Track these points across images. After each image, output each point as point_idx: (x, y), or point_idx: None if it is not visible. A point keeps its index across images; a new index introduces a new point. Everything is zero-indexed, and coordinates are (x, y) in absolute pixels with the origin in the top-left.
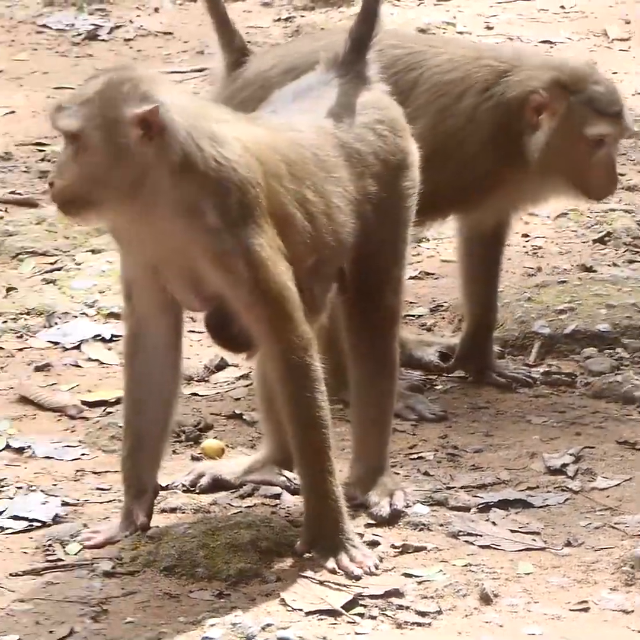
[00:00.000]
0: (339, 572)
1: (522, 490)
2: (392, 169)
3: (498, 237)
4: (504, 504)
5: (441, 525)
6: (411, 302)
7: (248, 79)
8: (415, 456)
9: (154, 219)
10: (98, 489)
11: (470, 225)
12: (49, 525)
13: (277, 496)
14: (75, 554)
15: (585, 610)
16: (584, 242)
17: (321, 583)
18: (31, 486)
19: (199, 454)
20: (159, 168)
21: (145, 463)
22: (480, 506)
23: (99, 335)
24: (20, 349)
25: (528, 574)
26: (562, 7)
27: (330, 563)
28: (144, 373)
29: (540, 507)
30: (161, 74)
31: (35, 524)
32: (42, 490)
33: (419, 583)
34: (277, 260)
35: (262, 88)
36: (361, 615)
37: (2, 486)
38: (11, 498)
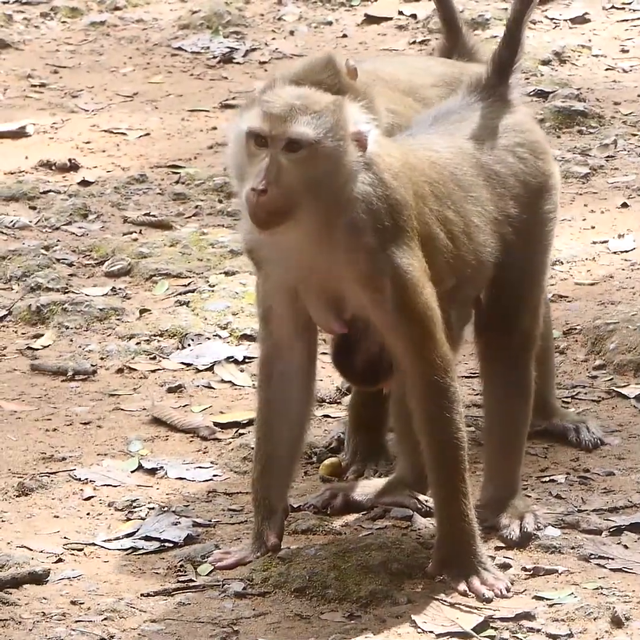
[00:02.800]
0: (470, 595)
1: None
2: (533, 192)
3: None
4: (636, 527)
5: (572, 548)
6: None
7: None
8: (547, 479)
9: (323, 233)
10: (230, 510)
11: None
12: (181, 546)
13: (409, 518)
14: (207, 575)
15: None
16: None
17: (452, 605)
18: (163, 507)
19: (330, 476)
20: (356, 186)
21: (276, 484)
22: (612, 529)
23: (231, 357)
24: (153, 371)
25: None
26: None
27: (462, 585)
28: (277, 396)
29: None
30: None
31: (167, 544)
32: (174, 511)
33: (550, 606)
34: (425, 282)
35: None
36: (492, 637)
37: (135, 507)
38: (143, 519)
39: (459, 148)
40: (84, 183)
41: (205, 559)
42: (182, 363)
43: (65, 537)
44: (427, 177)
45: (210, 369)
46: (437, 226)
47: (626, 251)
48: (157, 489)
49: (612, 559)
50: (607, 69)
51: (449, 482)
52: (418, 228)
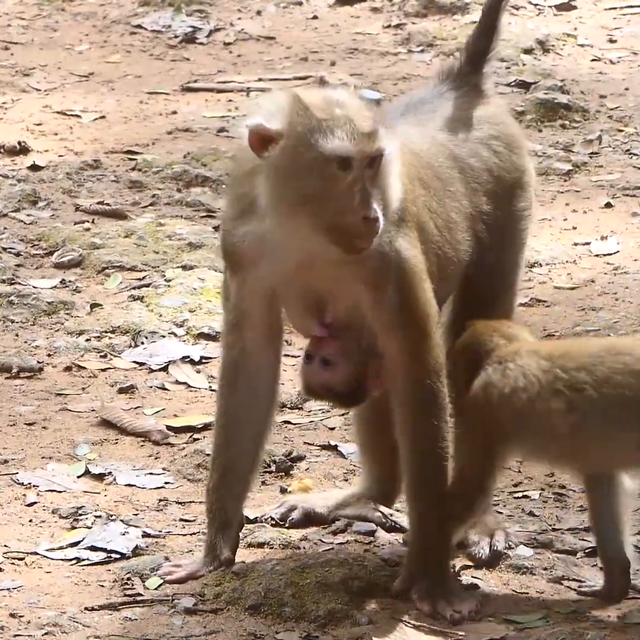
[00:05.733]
0: (436, 616)
1: (633, 534)
2: (507, 188)
3: None
4: None
5: (545, 569)
6: None
7: None
8: (520, 495)
9: None
10: (182, 520)
11: None
12: (129, 558)
13: (372, 533)
14: (156, 589)
15: None
16: None
17: (416, 627)
18: (111, 515)
19: (288, 485)
20: None
21: (232, 495)
22: (587, 550)
23: (187, 357)
24: (104, 369)
25: (636, 623)
26: None
27: (427, 606)
28: (241, 403)
29: None
30: None
31: (114, 555)
32: (122, 520)
33: (520, 631)
34: (426, 276)
35: None
36: None
37: (80, 515)
38: (89, 527)
39: (432, 139)
40: (34, 167)
41: (154, 572)
42: (135, 362)
43: (5, 545)
44: (410, 162)
45: (164, 369)
46: (426, 214)
47: (609, 254)
48: (105, 496)
49: (585, 581)
50: (593, 60)
51: (428, 493)
52: (414, 213)
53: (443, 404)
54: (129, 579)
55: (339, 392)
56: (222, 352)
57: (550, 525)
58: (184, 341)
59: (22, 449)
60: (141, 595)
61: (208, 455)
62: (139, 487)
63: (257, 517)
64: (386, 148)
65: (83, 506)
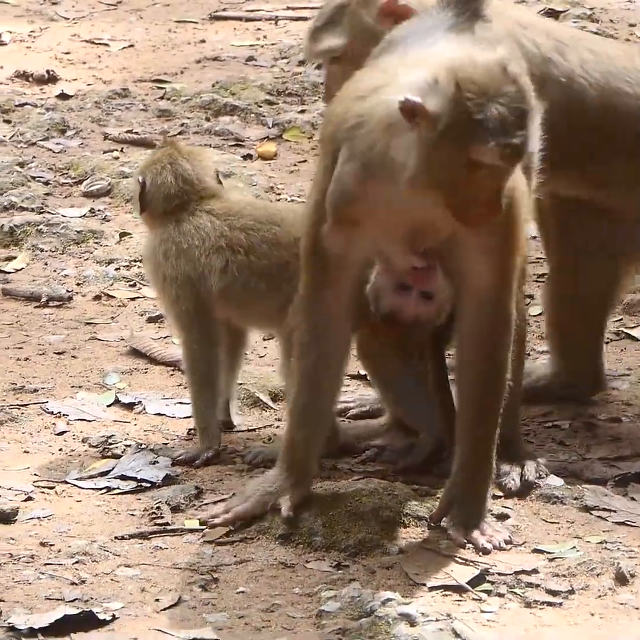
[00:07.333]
0: (467, 546)
1: None
2: None
3: None
4: None
5: (575, 498)
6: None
7: None
8: (550, 424)
9: None
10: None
11: None
12: (159, 487)
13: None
14: (187, 519)
15: None
16: None
17: (447, 556)
18: (140, 445)
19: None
20: None
21: (314, 449)
22: (617, 479)
23: None
24: (133, 299)
25: None
26: None
27: (460, 535)
28: (331, 351)
29: None
30: None
31: (144, 484)
32: (151, 449)
33: (551, 560)
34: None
35: None
36: (488, 592)
37: (110, 444)
38: (119, 457)
39: None
40: (63, 96)
41: (188, 503)
42: None
43: (35, 474)
44: None
45: None
46: None
47: None
48: (135, 425)
49: (615, 511)
50: None
51: (487, 421)
52: None
53: (512, 332)
54: (158, 507)
55: (428, 325)
56: (314, 303)
57: (580, 455)
58: None
59: (52, 378)
60: (171, 524)
61: (239, 384)
62: (169, 416)
63: None
64: (530, 158)
65: (113, 435)
